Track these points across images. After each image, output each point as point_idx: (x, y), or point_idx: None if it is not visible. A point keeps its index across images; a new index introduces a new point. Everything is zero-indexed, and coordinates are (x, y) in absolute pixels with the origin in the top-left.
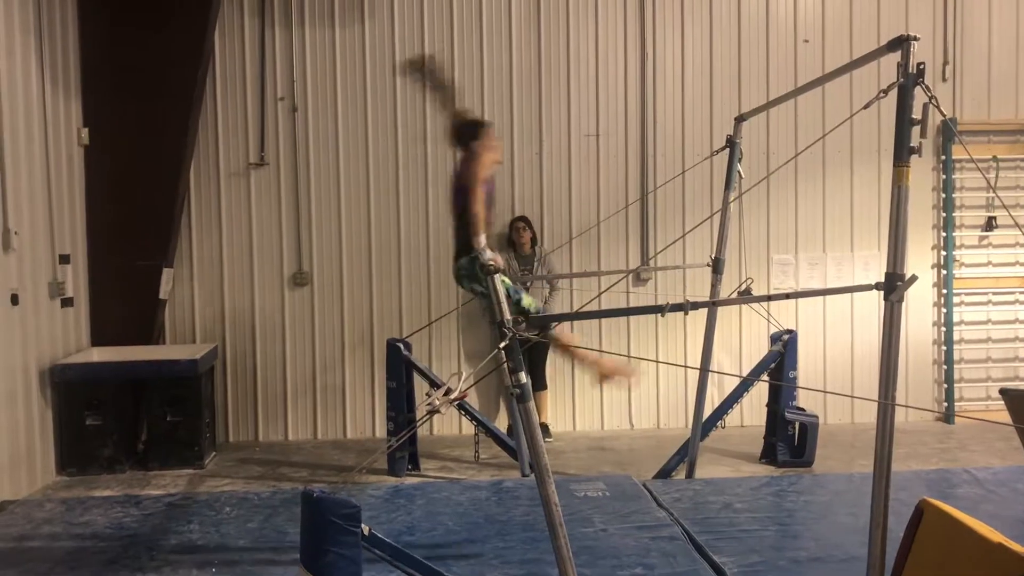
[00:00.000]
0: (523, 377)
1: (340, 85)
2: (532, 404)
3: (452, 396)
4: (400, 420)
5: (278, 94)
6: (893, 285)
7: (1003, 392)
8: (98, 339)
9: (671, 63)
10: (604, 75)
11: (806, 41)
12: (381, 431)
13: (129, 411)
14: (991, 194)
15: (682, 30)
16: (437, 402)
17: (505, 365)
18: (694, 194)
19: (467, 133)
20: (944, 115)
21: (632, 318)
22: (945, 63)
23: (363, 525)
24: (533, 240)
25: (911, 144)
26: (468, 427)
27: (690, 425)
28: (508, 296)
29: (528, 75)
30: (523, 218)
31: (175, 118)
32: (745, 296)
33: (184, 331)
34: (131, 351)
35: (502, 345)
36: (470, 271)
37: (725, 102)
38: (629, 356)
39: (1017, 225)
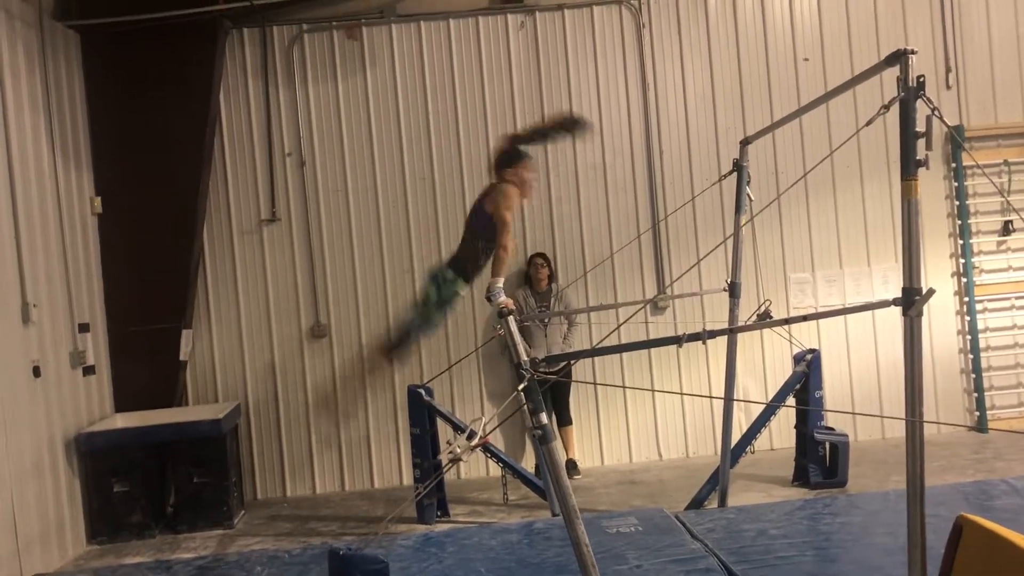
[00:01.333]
0: (543, 418)
1: (346, 135)
2: (555, 444)
3: (473, 443)
4: (426, 467)
5: (285, 150)
6: (911, 300)
7: None
8: (121, 405)
9: (673, 90)
10: (607, 107)
11: (806, 60)
12: (408, 479)
13: (156, 475)
14: (1006, 198)
15: (681, 57)
16: (459, 449)
17: (525, 407)
18: (705, 219)
19: (505, 160)
20: (948, 125)
21: (653, 348)
22: (948, 71)
23: None
24: (550, 277)
25: (918, 157)
26: (495, 469)
27: (719, 452)
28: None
29: (531, 112)
30: (542, 255)
31: (185, 180)
32: (762, 320)
33: (206, 391)
34: (155, 415)
35: (521, 387)
36: (441, 286)
37: (730, 125)
38: (652, 389)
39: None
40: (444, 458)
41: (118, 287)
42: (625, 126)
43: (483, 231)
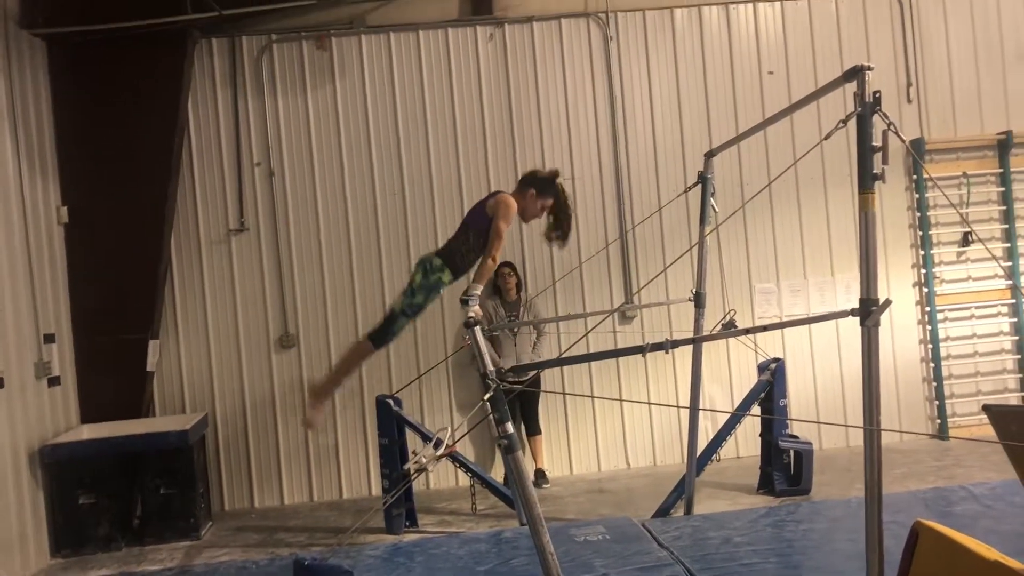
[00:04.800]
0: (509, 428)
1: (315, 145)
2: (520, 454)
3: (438, 453)
4: (395, 477)
5: (254, 160)
6: (868, 310)
7: (986, 408)
8: (88, 416)
9: (640, 102)
10: (575, 119)
11: (771, 73)
12: (377, 489)
13: (122, 487)
14: (965, 210)
15: (648, 69)
16: (424, 459)
17: (491, 416)
18: (672, 230)
19: (534, 182)
20: (903, 140)
21: (621, 357)
22: (909, 85)
23: None
24: (519, 286)
25: (874, 171)
26: (464, 478)
27: (686, 461)
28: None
29: (500, 124)
30: (509, 264)
31: (153, 190)
32: (725, 330)
33: (174, 402)
34: (121, 426)
35: (486, 397)
36: (428, 273)
37: (696, 137)
38: (620, 399)
39: (981, 241)
40: (412, 468)
41: (85, 297)
42: (593, 137)
43: (476, 228)
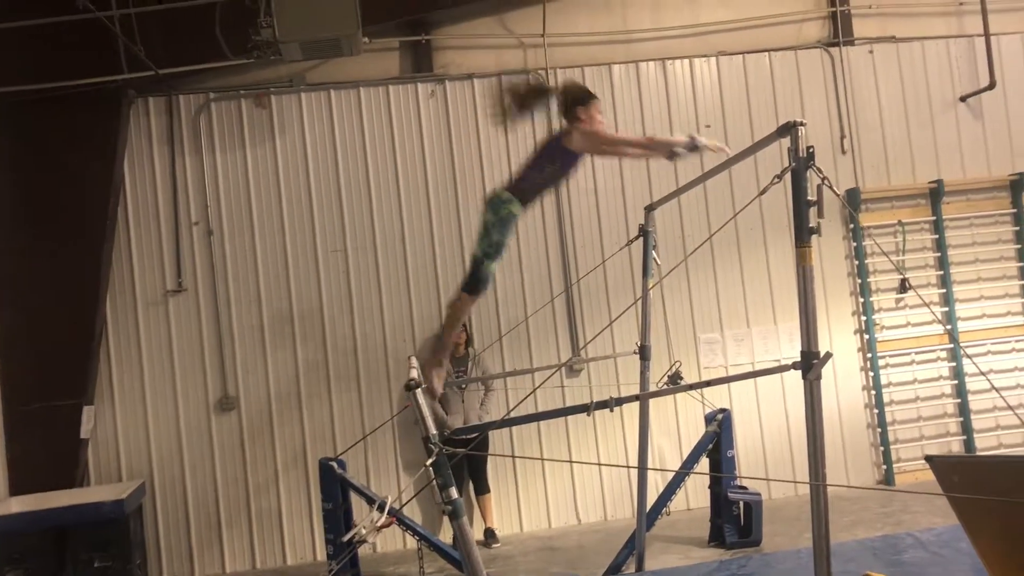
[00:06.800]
0: (453, 493)
1: (255, 204)
2: (465, 520)
3: (378, 525)
4: (339, 544)
5: (192, 219)
6: (809, 364)
7: (928, 459)
8: (18, 487)
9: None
10: None
11: (708, 126)
12: (323, 554)
13: (53, 562)
14: (900, 257)
15: None
16: (364, 531)
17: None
18: (616, 282)
19: (574, 98)
20: (837, 194)
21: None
22: (843, 136)
23: None
24: (467, 341)
25: (810, 225)
26: (413, 541)
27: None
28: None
29: (443, 180)
30: None
31: (87, 251)
32: (673, 381)
33: (109, 470)
34: (53, 497)
35: (428, 463)
36: (499, 207)
37: (637, 190)
38: (571, 460)
39: (913, 289)
40: (359, 536)
41: (15, 363)
42: None
43: (562, 162)
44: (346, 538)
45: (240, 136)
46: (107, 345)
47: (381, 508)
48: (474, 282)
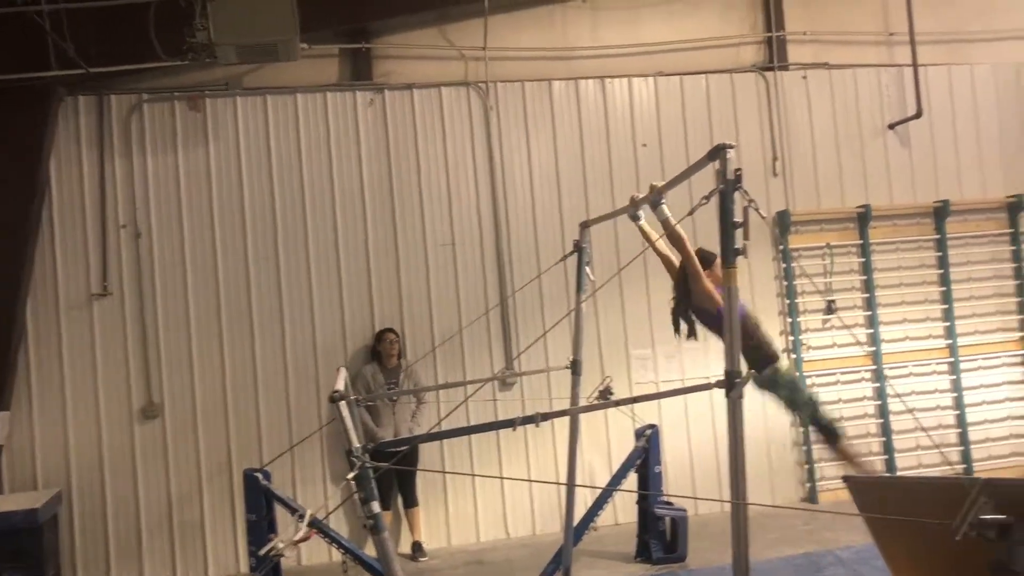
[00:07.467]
0: (375, 507)
1: (185, 208)
2: (386, 536)
3: (296, 538)
4: (262, 556)
5: (120, 221)
6: (732, 383)
7: (845, 479)
8: None
9: (519, 170)
10: (455, 185)
11: (644, 145)
12: (246, 566)
13: None
14: (828, 279)
15: (527, 139)
16: (282, 545)
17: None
18: (552, 296)
19: (707, 259)
20: (763, 217)
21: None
22: (775, 159)
23: None
24: (399, 353)
25: (736, 246)
26: (339, 554)
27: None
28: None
29: (379, 190)
30: (392, 330)
31: (9, 252)
32: (603, 397)
33: (24, 478)
34: None
35: (350, 476)
36: (773, 381)
37: (574, 204)
38: (502, 476)
39: (835, 313)
40: (276, 550)
41: None
42: (473, 204)
43: (715, 326)
44: (263, 552)
45: (173, 139)
46: (26, 349)
47: (302, 519)
48: (830, 432)
